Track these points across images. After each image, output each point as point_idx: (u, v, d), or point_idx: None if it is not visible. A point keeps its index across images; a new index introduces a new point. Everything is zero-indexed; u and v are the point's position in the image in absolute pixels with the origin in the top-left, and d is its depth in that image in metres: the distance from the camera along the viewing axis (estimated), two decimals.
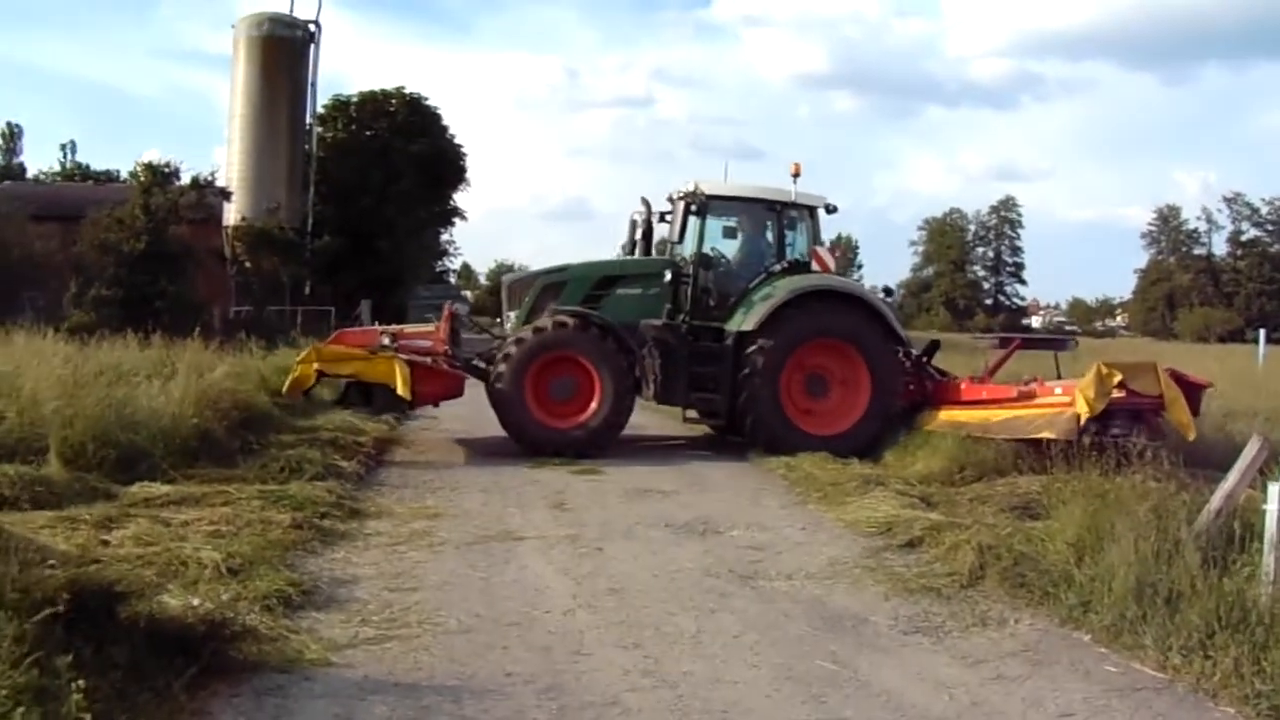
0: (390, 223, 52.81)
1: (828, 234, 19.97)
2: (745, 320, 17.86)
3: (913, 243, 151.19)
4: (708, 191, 18.61)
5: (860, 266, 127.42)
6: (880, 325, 18.15)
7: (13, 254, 39.00)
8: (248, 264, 46.79)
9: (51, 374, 14.29)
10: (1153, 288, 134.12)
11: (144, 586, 7.42)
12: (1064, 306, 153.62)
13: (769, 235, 19.25)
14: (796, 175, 18.85)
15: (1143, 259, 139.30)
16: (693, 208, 18.45)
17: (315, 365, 16.87)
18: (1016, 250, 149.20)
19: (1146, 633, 7.96)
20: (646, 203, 20.02)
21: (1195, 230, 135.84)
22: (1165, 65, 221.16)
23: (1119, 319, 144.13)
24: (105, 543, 9.66)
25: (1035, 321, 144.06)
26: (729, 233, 19.44)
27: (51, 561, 7.07)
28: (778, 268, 18.77)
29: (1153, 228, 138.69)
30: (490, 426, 18.12)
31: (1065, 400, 15.25)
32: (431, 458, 16.90)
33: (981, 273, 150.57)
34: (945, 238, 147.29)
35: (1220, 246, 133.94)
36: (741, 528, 12.24)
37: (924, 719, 6.79)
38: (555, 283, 18.75)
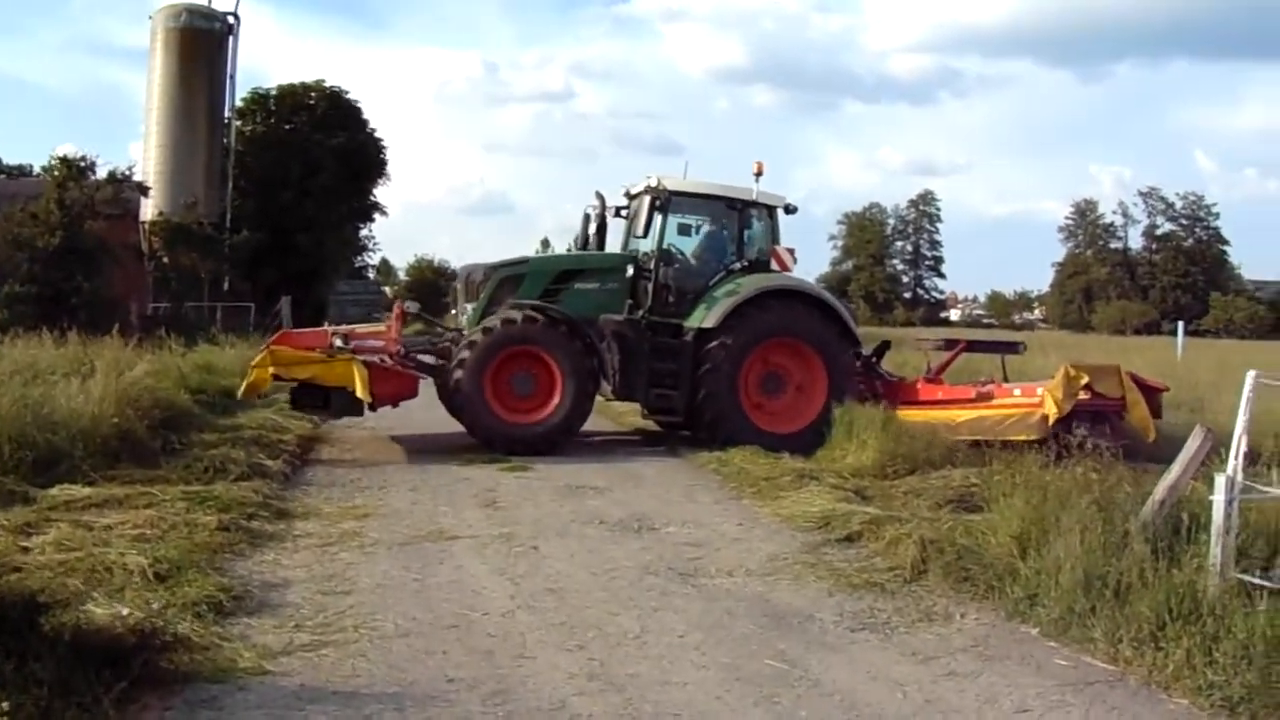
0: (310, 217, 52.21)
1: None
2: (706, 317, 17.76)
3: (832, 237, 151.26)
4: (670, 187, 18.39)
5: None
6: (838, 326, 18.20)
7: None
8: (165, 259, 45.99)
9: None
10: (1070, 281, 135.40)
11: (68, 596, 7.17)
12: (982, 300, 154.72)
13: (727, 232, 19.13)
14: (759, 174, 18.63)
15: (1060, 252, 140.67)
16: (657, 203, 18.23)
17: (271, 369, 16.28)
18: (935, 244, 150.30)
19: (1096, 625, 7.91)
20: (601, 197, 19.88)
21: (1111, 224, 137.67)
22: (1082, 62, 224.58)
23: (1037, 312, 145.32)
24: (25, 549, 9.35)
25: (954, 315, 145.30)
26: (684, 229, 19.38)
27: None
28: (738, 265, 18.69)
29: (1070, 221, 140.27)
30: (416, 424, 17.93)
31: (1030, 401, 15.57)
32: (358, 455, 16.61)
33: (900, 266, 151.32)
34: (864, 232, 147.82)
35: (1136, 240, 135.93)
36: (677, 524, 12.10)
37: (880, 718, 6.65)
38: (514, 275, 18.48)
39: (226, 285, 47.35)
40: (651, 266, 18.37)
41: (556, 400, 17.29)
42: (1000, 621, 8.63)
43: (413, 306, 20.47)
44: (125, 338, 21.45)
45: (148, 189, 44.74)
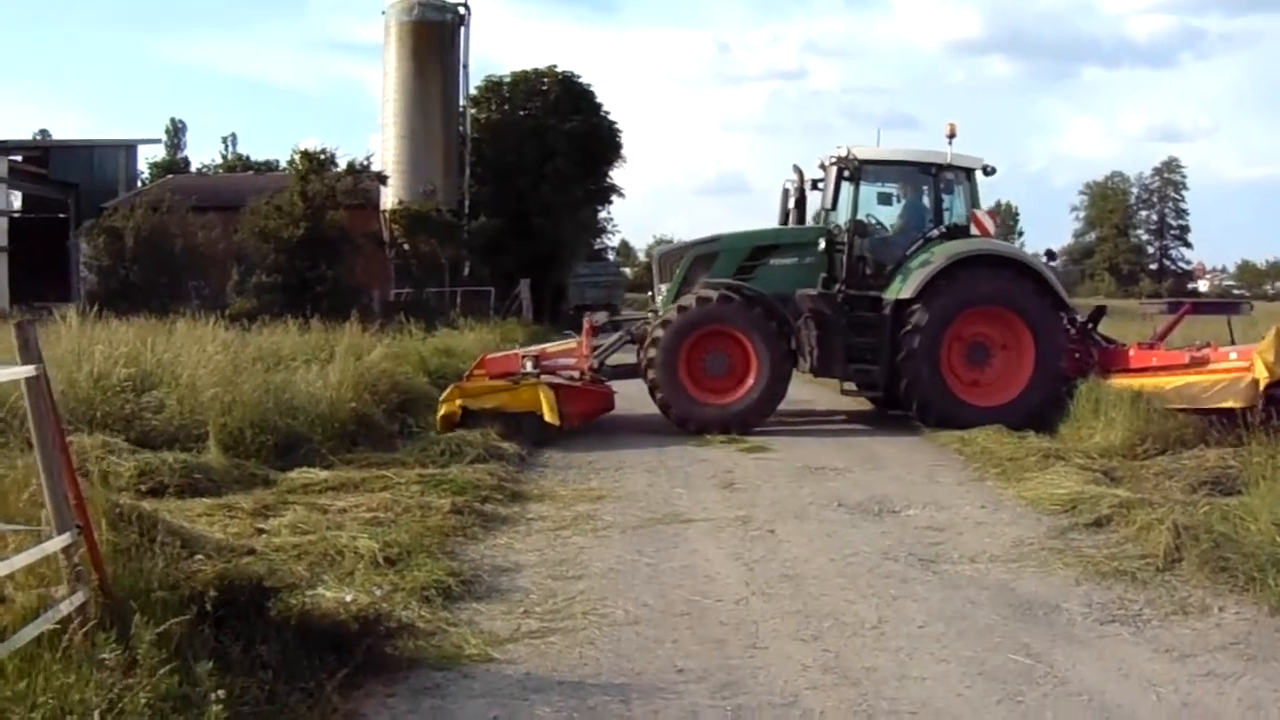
0: (547, 202, 52.56)
1: (987, 200, 19.25)
2: (903, 288, 17.24)
3: (1074, 208, 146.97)
4: (860, 156, 18.01)
5: (1021, 234, 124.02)
6: (1043, 291, 17.41)
7: (177, 245, 39.64)
8: (406, 247, 46.93)
9: (210, 361, 14.28)
10: None
11: (296, 580, 7.20)
12: (1232, 270, 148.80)
13: (925, 200, 18.56)
14: (952, 136, 18.06)
15: None
16: (845, 173, 17.92)
17: (459, 402, 16.29)
18: (1181, 213, 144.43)
19: None
20: (799, 170, 19.56)
21: None
22: None
23: None
24: (261, 531, 9.56)
25: (1202, 285, 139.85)
26: (883, 198, 18.96)
27: (200, 556, 6.87)
28: (935, 233, 18.08)
29: None
30: (651, 404, 17.78)
31: (1242, 365, 14.52)
32: (594, 437, 16.55)
33: (1145, 237, 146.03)
34: (1107, 202, 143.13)
35: None
36: (918, 507, 11.72)
37: None
38: (706, 254, 18.42)
39: (466, 270, 48.09)
40: (845, 239, 17.98)
41: (751, 380, 17.16)
42: (1263, 617, 7.96)
43: (601, 318, 20.40)
44: (366, 323, 21.91)
45: (386, 178, 45.72)
